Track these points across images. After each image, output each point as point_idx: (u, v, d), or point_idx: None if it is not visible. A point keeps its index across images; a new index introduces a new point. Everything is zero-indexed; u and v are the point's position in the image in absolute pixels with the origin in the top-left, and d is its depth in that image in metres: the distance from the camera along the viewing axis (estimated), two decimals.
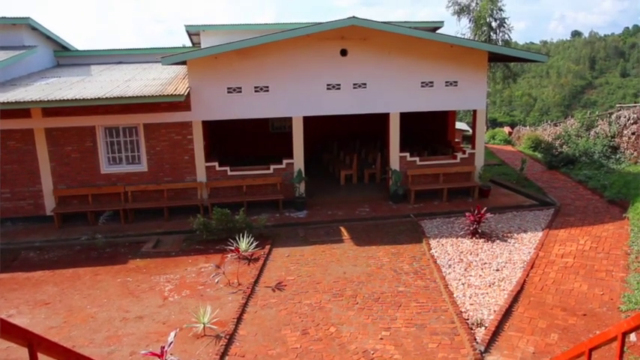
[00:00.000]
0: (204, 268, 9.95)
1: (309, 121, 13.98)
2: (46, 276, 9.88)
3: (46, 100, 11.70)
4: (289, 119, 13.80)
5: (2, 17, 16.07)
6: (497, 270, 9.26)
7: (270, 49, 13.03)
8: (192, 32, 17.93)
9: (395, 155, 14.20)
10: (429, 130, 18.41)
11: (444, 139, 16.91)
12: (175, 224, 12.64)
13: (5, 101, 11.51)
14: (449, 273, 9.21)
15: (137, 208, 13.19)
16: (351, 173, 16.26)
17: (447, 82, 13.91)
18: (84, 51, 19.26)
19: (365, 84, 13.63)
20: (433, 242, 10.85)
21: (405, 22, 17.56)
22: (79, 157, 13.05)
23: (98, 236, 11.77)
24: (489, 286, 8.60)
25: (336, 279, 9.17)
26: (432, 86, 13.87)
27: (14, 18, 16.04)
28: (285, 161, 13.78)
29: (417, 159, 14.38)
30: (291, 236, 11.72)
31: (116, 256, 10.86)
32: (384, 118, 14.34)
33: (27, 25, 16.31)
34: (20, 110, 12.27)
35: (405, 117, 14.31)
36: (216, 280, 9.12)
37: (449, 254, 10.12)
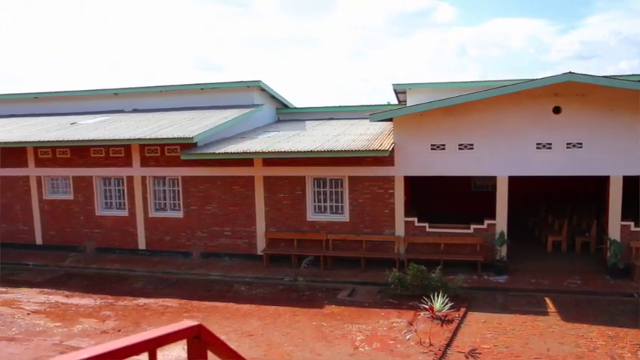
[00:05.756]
0: (396, 323, 9.89)
1: (512, 181, 13.26)
2: (252, 310, 10.87)
3: (267, 151, 13.27)
4: (492, 178, 13.26)
5: (240, 81, 18.77)
6: None
7: (476, 106, 12.84)
8: (399, 90, 18.66)
9: (615, 223, 12.56)
10: None
11: None
12: (370, 275, 12.89)
13: (235, 151, 13.42)
14: None
15: (336, 256, 13.83)
16: (560, 240, 14.82)
17: None
18: (300, 108, 21.35)
19: (580, 143, 12.50)
20: None
21: (632, 75, 15.81)
22: (289, 204, 14.30)
23: (299, 279, 12.58)
24: None
25: (537, 355, 8.31)
26: None
27: (248, 81, 18.58)
28: (486, 221, 13.19)
29: None
30: (488, 301, 11.05)
31: (313, 300, 11.46)
32: (601, 180, 12.91)
33: (258, 87, 18.76)
34: (246, 159, 14.06)
35: (629, 179, 12.68)
36: (407, 337, 8.98)
37: None
